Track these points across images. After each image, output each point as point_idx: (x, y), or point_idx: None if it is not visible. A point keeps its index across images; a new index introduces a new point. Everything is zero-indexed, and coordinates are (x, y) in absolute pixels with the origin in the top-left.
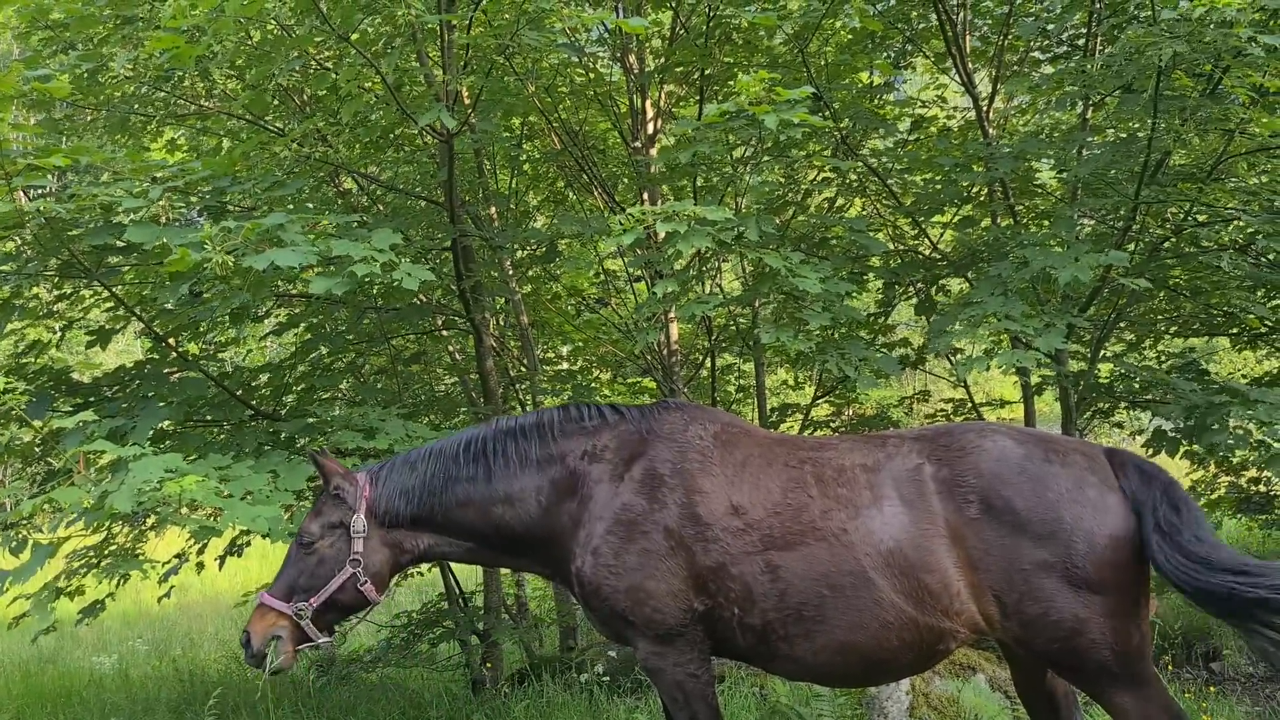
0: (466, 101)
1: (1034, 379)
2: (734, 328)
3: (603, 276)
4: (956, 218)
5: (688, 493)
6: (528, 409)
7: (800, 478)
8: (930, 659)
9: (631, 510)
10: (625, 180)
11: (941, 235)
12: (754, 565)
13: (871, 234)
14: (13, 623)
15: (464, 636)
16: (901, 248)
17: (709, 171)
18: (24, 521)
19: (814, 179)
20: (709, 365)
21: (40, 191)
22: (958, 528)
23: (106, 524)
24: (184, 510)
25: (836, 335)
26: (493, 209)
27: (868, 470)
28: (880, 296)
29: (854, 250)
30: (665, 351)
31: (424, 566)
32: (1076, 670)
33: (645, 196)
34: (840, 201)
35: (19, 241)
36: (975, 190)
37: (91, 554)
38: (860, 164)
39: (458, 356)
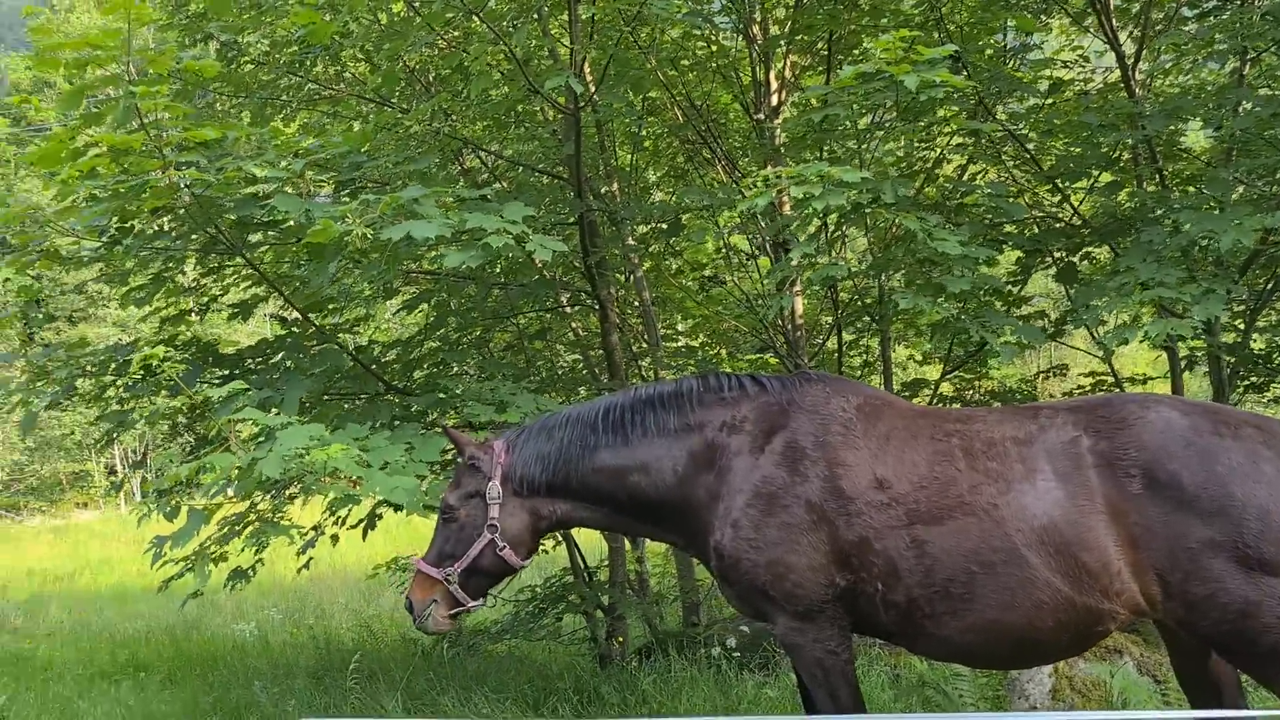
0: (590, 78)
1: (1183, 352)
2: (859, 302)
3: (724, 251)
4: (1100, 183)
5: (830, 466)
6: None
7: (947, 451)
8: (1086, 641)
9: (772, 483)
10: (748, 154)
11: (1081, 201)
12: (899, 540)
13: (1010, 200)
14: (161, 586)
15: (589, 610)
16: (1040, 214)
17: (835, 142)
18: (178, 488)
19: (946, 145)
20: (834, 340)
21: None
22: (1118, 504)
23: (253, 492)
24: (325, 479)
25: (972, 305)
26: (614, 185)
27: (1019, 443)
28: (1014, 267)
29: (990, 217)
30: (790, 326)
31: (548, 543)
32: (1245, 655)
33: (769, 169)
34: (972, 169)
35: (168, 219)
36: (1118, 154)
37: (237, 522)
38: (999, 126)
39: (580, 332)
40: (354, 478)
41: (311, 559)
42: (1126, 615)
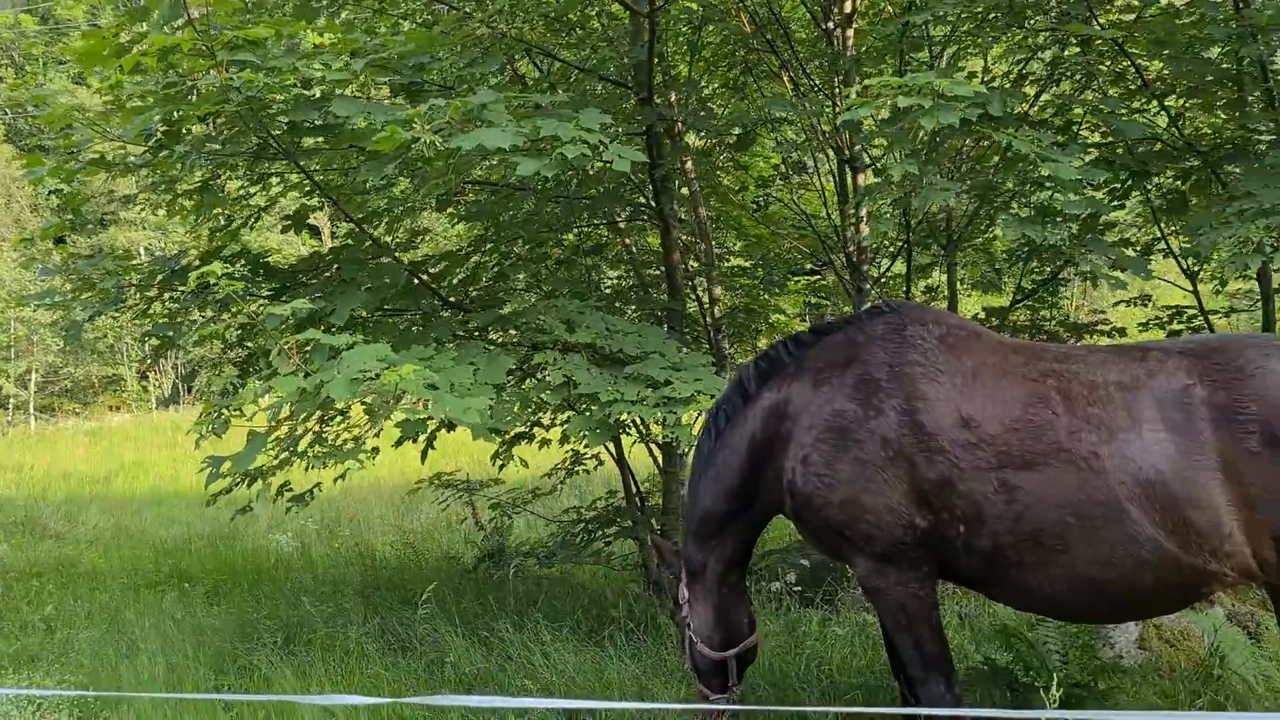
0: None
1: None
2: (926, 226)
3: (785, 169)
4: (1217, 102)
5: (908, 399)
6: (704, 303)
7: (1043, 392)
8: (1186, 601)
9: (844, 417)
10: (812, 65)
11: (1183, 123)
12: (986, 483)
13: (1125, 118)
14: (210, 500)
15: (641, 535)
16: (1148, 135)
17: (914, 55)
18: (231, 409)
19: (1044, 55)
20: (902, 263)
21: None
22: (1234, 461)
23: (313, 414)
24: (391, 401)
25: (1080, 232)
26: (672, 96)
27: (1124, 389)
28: (1104, 194)
29: (1097, 139)
30: (854, 248)
31: (590, 463)
32: None
33: (839, 82)
34: (1064, 86)
35: (218, 122)
36: (1233, 70)
37: (293, 444)
38: (1109, 34)
39: (634, 250)
40: (422, 399)
41: (349, 471)
42: (1235, 578)
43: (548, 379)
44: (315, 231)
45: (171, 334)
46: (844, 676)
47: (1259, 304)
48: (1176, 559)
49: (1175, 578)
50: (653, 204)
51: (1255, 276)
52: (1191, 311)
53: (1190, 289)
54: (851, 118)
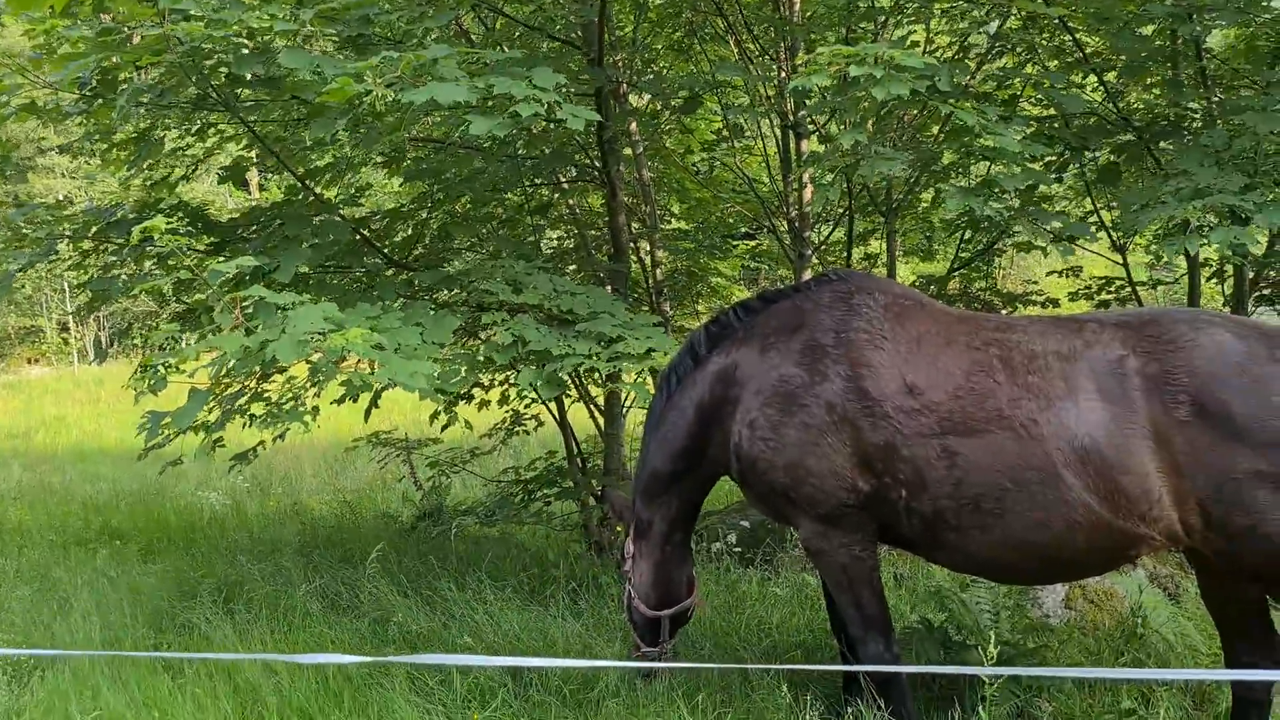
0: None
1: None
2: (866, 194)
3: (727, 134)
4: (1154, 79)
5: (854, 365)
6: (646, 265)
7: (985, 361)
8: (1114, 563)
9: (790, 382)
10: (761, 28)
11: (1120, 99)
12: (928, 449)
13: (1065, 92)
14: (142, 454)
15: (582, 497)
16: (1087, 110)
17: (855, 23)
18: (169, 366)
19: (989, 29)
20: (843, 230)
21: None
22: (1164, 429)
23: (253, 372)
24: (338, 364)
25: (1019, 203)
26: (619, 55)
27: (1062, 358)
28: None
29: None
30: (796, 214)
31: (530, 424)
32: None
33: (785, 48)
34: (1006, 60)
35: (157, 73)
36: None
37: (231, 401)
38: (1055, 9)
39: (577, 211)
40: (368, 361)
41: (288, 431)
42: (1162, 542)
43: (496, 339)
44: (243, 184)
45: (108, 290)
46: (783, 636)
47: (1183, 277)
48: (1108, 523)
49: (1106, 540)
50: (598, 165)
51: (1184, 253)
52: (1120, 283)
53: (1120, 261)
54: (802, 84)
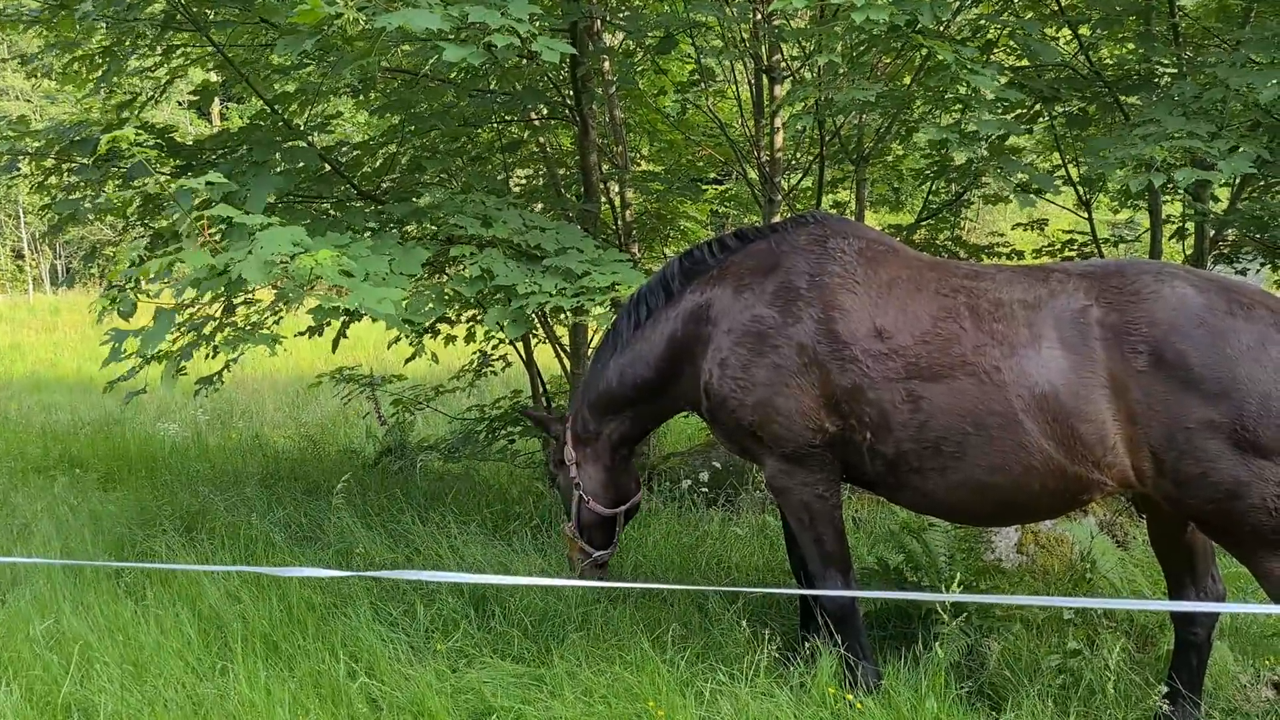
0: None
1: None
2: (838, 141)
3: (699, 77)
4: (1128, 32)
5: (825, 308)
6: (616, 206)
7: (953, 307)
8: (1068, 507)
9: (762, 322)
10: None
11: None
12: (894, 393)
13: (1039, 40)
14: (108, 387)
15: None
16: (1060, 61)
17: None
18: (133, 285)
19: None
20: (813, 177)
21: None
22: (1121, 378)
23: (219, 294)
24: (306, 288)
25: (987, 151)
26: None
27: (1027, 307)
28: (1018, 116)
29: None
30: (766, 158)
31: (498, 364)
32: (1227, 533)
33: None
34: (984, 8)
35: None
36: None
37: (198, 326)
38: None
39: (549, 149)
40: (337, 287)
41: (242, 355)
42: (1114, 487)
43: (464, 272)
44: (203, 111)
45: (74, 212)
46: (743, 575)
47: (1145, 235)
48: (1063, 468)
49: (1060, 485)
50: (571, 102)
51: (1147, 209)
52: (1084, 239)
53: (1085, 216)
54: (783, 6)
